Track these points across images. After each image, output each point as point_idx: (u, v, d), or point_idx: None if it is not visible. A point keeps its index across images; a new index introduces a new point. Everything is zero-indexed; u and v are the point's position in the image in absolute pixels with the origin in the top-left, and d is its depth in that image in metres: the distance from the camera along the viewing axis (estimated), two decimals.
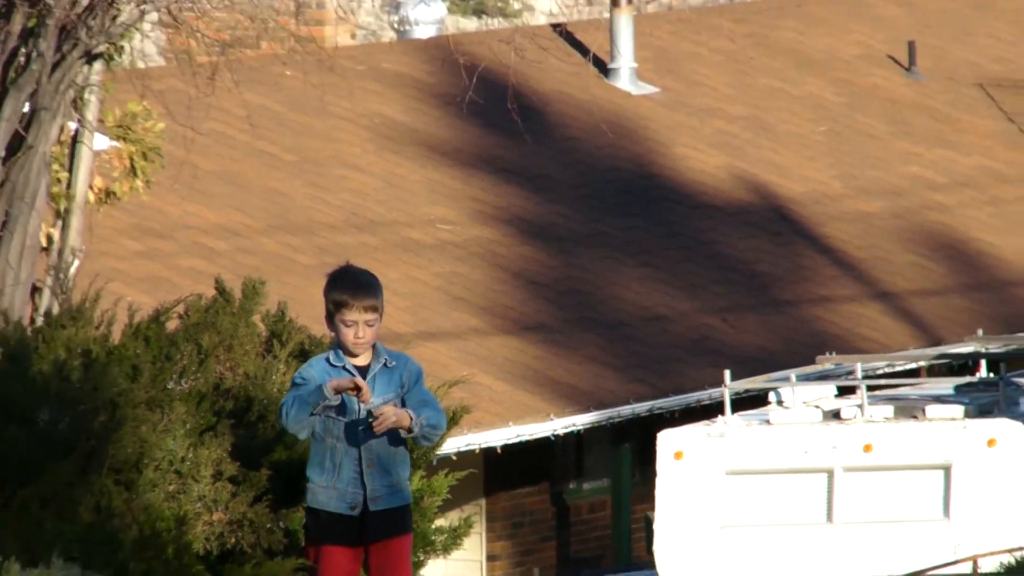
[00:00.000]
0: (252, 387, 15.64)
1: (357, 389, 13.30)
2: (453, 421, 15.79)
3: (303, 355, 15.59)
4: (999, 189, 44.44)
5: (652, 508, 29.80)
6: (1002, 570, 25.95)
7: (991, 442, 28.71)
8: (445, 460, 18.19)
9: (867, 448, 28.91)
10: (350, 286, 13.60)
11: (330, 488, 13.59)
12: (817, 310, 39.82)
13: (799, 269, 41.32)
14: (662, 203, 41.94)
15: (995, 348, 32.10)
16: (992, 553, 27.07)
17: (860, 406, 29.47)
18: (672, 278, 39.86)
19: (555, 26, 45.64)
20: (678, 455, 29.26)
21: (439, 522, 16.53)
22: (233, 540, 14.92)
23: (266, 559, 14.98)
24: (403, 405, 13.39)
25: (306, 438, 13.60)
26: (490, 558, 36.35)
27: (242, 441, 15.21)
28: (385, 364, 13.57)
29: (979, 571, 27.23)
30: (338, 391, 13.23)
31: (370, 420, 13.34)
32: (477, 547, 35.01)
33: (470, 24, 52.51)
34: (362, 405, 13.38)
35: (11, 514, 14.02)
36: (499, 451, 34.43)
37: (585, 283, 39.23)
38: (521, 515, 37.01)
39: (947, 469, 28.78)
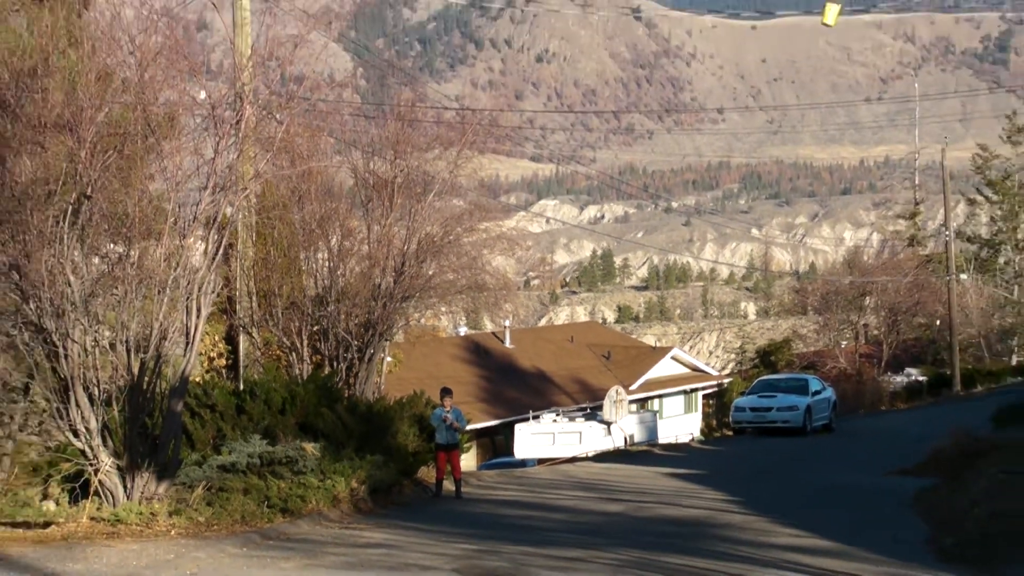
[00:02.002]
0: (423, 415, 13.77)
1: (448, 423, 12.44)
2: (469, 421, 14.52)
3: (434, 407, 13.68)
4: (594, 373, 41.23)
5: (513, 442, 27.33)
6: (592, 457, 23.80)
7: (591, 427, 26.41)
8: (467, 432, 16.34)
9: (562, 430, 26.16)
10: (445, 391, 12.77)
11: (441, 438, 12.56)
12: (553, 396, 36.10)
13: (548, 383, 37.77)
14: (516, 368, 38.29)
15: (591, 404, 29.99)
16: (594, 452, 24.78)
17: (562, 418, 27.47)
18: (520, 389, 35.99)
19: (492, 332, 43.04)
20: (519, 430, 27.25)
21: (464, 445, 14.37)
22: (418, 448, 13.22)
23: (425, 455, 13.25)
24: (457, 420, 12.45)
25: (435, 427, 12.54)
26: (477, 456, 32.87)
27: (421, 424, 13.51)
28: (453, 409, 12.61)
29: (588, 457, 24.86)
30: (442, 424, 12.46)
31: (452, 423, 12.42)
32: (474, 451, 31.69)
33: (474, 332, 49.55)
34: (448, 422, 12.43)
35: (367, 446, 12.23)
36: (480, 428, 31.62)
37: (504, 386, 35.47)
38: (485, 445, 33.39)
39: (580, 433, 26.00)
